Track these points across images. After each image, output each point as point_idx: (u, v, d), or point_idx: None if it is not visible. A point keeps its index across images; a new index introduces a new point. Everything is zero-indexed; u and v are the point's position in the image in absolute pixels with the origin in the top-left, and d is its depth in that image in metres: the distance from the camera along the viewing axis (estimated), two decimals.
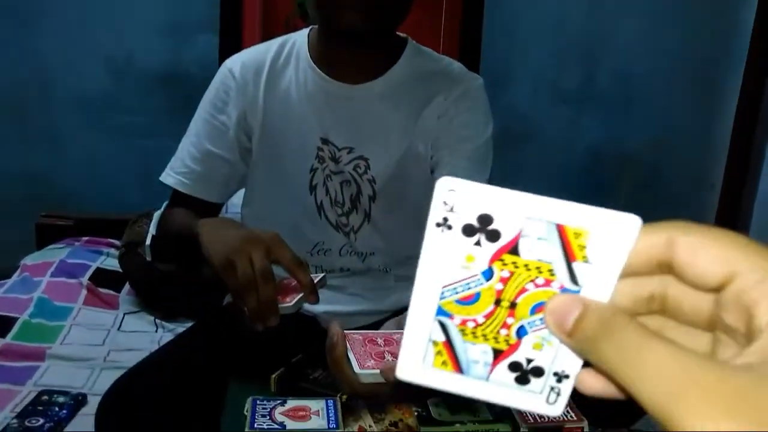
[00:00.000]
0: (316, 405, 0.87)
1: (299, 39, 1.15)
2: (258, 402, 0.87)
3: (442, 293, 0.29)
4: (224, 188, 1.17)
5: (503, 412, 0.86)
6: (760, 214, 2.07)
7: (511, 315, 0.29)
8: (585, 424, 0.84)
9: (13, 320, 1.58)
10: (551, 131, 2.21)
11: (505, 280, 0.28)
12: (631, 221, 0.27)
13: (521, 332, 0.29)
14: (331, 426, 0.82)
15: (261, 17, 2.10)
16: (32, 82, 2.07)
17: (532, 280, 0.28)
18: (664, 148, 2.22)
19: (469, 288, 0.28)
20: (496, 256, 0.28)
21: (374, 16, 0.99)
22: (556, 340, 0.28)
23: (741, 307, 0.25)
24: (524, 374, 0.29)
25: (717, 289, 0.26)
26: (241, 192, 1.23)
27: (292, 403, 0.87)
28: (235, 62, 1.15)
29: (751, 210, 2.10)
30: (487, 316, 0.29)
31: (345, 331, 0.76)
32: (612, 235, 0.26)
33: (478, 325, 0.29)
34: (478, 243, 0.28)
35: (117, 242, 1.92)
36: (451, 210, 0.27)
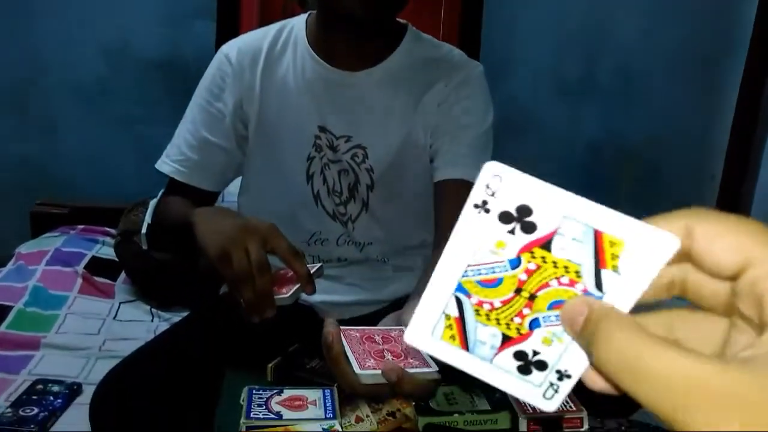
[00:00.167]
0: (313, 394, 0.86)
1: (297, 24, 1.14)
2: (254, 391, 0.86)
3: (466, 272, 0.29)
4: (221, 176, 1.16)
5: (501, 402, 0.85)
6: (759, 210, 2.07)
7: (529, 306, 0.29)
8: (584, 414, 0.83)
9: (8, 309, 1.57)
10: (550, 124, 2.20)
11: (530, 272, 0.28)
12: (670, 241, 0.26)
13: (534, 324, 0.29)
14: (328, 416, 0.81)
15: (258, 3, 2.08)
16: (28, 70, 2.05)
17: (557, 278, 0.28)
18: (663, 142, 2.21)
19: (493, 272, 0.28)
20: (527, 248, 0.28)
21: (375, 1, 0.98)
22: (566, 338, 0.28)
23: (754, 297, 0.25)
24: (527, 365, 0.29)
25: (733, 278, 0.25)
26: (238, 180, 1.22)
27: (288, 393, 0.86)
28: (231, 48, 1.13)
29: (751, 205, 2.09)
30: (505, 302, 0.29)
31: (342, 327, 0.75)
32: (647, 251, 0.26)
33: (493, 309, 0.29)
34: (512, 231, 0.28)
35: (113, 231, 1.91)
36: (492, 195, 0.27)
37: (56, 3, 2.01)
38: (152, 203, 1.17)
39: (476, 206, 0.28)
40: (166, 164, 1.13)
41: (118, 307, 1.71)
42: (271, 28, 1.15)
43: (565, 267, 0.28)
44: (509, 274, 0.28)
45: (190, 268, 1.59)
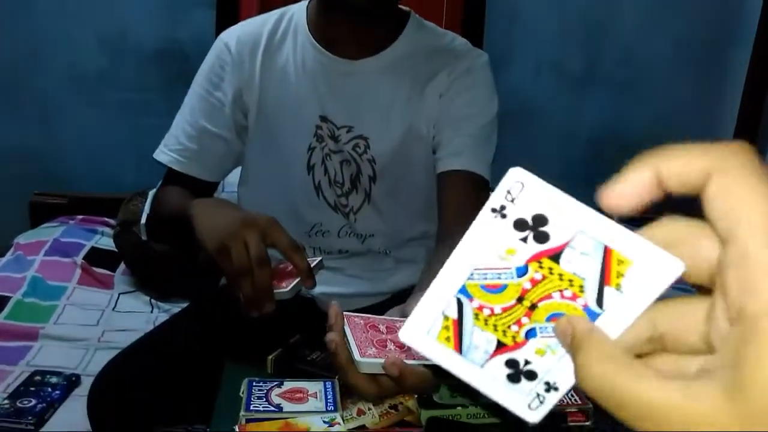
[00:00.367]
0: (313, 387, 0.85)
1: (297, 12, 1.12)
2: (254, 384, 0.85)
3: (472, 274, 0.29)
4: (220, 167, 1.15)
5: None
6: None
7: (528, 315, 0.29)
8: (590, 407, 0.82)
9: (6, 299, 1.57)
10: (553, 113, 2.18)
11: (535, 282, 0.29)
12: (675, 265, 0.27)
13: (530, 334, 0.29)
14: (329, 408, 0.80)
15: None
16: (25, 58, 2.03)
17: (560, 290, 0.28)
18: (667, 134, 2.17)
19: (498, 278, 0.29)
20: (536, 257, 0.28)
21: None
22: (560, 351, 0.29)
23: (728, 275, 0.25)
24: (517, 373, 0.30)
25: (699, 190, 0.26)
26: (238, 170, 1.20)
27: (289, 385, 0.85)
28: (231, 36, 1.11)
29: None
30: (505, 309, 0.29)
31: (346, 313, 0.74)
32: (651, 273, 0.27)
33: (492, 314, 0.29)
34: (524, 239, 0.28)
35: (112, 221, 1.90)
36: (512, 201, 0.28)
37: None
38: (151, 193, 1.16)
39: (494, 210, 0.28)
40: (164, 154, 1.12)
41: (117, 297, 1.70)
42: (271, 16, 1.13)
43: (570, 280, 0.28)
44: (514, 281, 0.29)
45: (190, 259, 1.58)
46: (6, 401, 1.22)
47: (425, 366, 0.68)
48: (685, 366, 0.27)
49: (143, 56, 2.06)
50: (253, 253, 0.80)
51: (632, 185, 0.27)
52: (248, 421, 0.78)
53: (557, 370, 0.29)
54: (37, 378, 1.29)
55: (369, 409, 0.81)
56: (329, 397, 0.83)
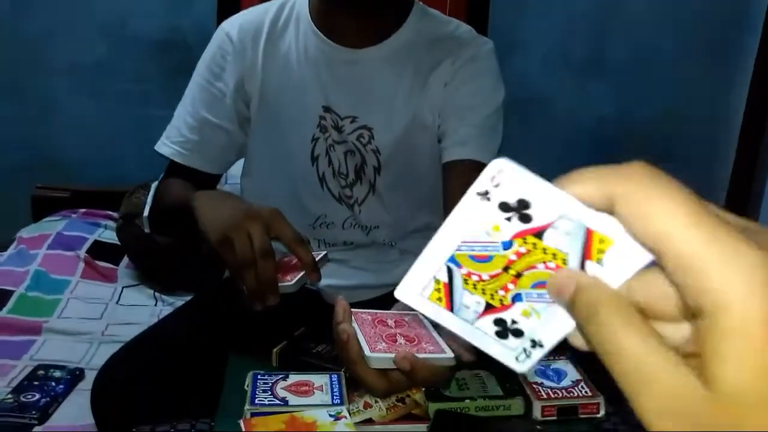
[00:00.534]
0: (319, 380, 0.84)
1: (299, 0, 1.10)
2: (259, 377, 0.84)
3: (459, 246, 0.31)
4: (222, 158, 1.13)
5: (514, 388, 0.83)
6: None
7: (514, 282, 0.31)
8: (601, 399, 0.81)
9: (9, 293, 1.56)
10: (560, 101, 2.16)
11: (520, 255, 0.30)
12: None
13: (517, 298, 0.31)
14: (335, 401, 0.79)
15: None
16: (27, 51, 2.02)
17: (544, 262, 0.30)
18: (675, 121, 2.17)
19: (485, 250, 0.30)
20: (521, 234, 0.29)
21: None
22: (544, 314, 0.31)
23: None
24: (505, 330, 0.32)
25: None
26: (241, 162, 1.19)
27: (294, 378, 0.84)
28: (232, 25, 1.10)
29: (765, 182, 2.05)
30: (492, 276, 0.31)
31: (354, 310, 0.73)
32: (631, 251, 0.28)
33: (480, 280, 0.31)
34: (508, 219, 0.29)
35: (115, 214, 1.89)
36: (496, 186, 0.29)
37: None
38: (154, 186, 1.14)
39: (478, 194, 0.29)
40: (165, 146, 1.10)
41: (121, 291, 1.70)
42: (273, 4, 1.11)
43: (554, 254, 0.29)
44: (500, 253, 0.30)
45: (193, 251, 1.57)
46: (9, 396, 1.21)
47: (437, 360, 0.67)
48: (673, 334, 0.27)
49: (144, 47, 2.04)
50: (257, 245, 0.79)
51: None
52: (253, 415, 0.77)
53: (542, 329, 0.31)
54: (41, 372, 1.28)
55: (376, 402, 0.80)
56: (335, 390, 0.82)
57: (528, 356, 0.32)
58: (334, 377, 0.84)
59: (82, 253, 1.75)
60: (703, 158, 2.21)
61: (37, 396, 1.21)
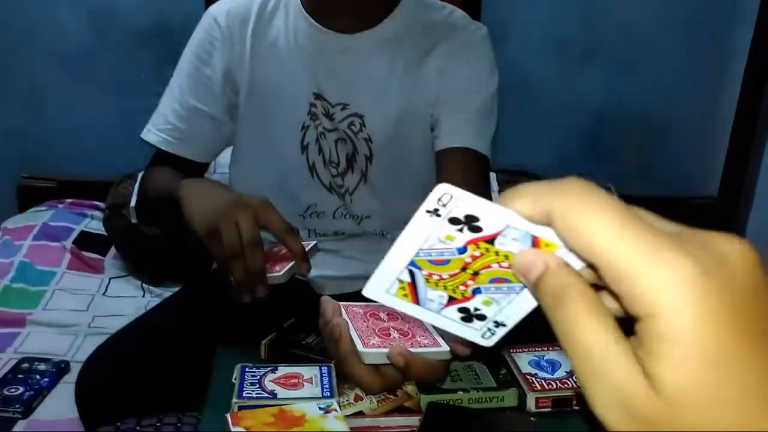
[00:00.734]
0: (309, 372, 0.82)
1: None
2: (247, 369, 0.82)
3: (418, 252, 0.32)
4: (210, 147, 1.11)
5: (508, 380, 0.81)
6: (767, 177, 2.03)
7: (473, 279, 0.33)
8: None
9: None
10: (553, 88, 2.14)
11: (474, 258, 0.32)
12: None
13: (476, 291, 0.33)
14: (325, 394, 0.78)
15: None
16: (11, 39, 1.98)
17: (498, 263, 0.32)
18: (669, 109, 2.16)
19: (442, 255, 0.32)
20: (473, 241, 0.31)
21: None
22: (503, 302, 0.33)
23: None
24: (469, 316, 0.34)
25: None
26: (229, 150, 1.17)
27: (283, 370, 0.82)
28: (219, 10, 1.07)
29: (758, 171, 2.05)
30: (452, 276, 0.33)
31: (344, 303, 0.71)
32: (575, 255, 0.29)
33: (441, 279, 0.33)
34: (460, 230, 0.31)
35: (101, 204, 1.86)
36: (444, 206, 0.30)
37: None
38: (140, 175, 1.12)
39: (428, 211, 0.31)
40: (152, 134, 1.08)
41: (108, 282, 1.67)
42: None
43: (506, 256, 0.31)
44: (456, 257, 0.32)
45: (180, 242, 1.55)
46: None
47: (432, 354, 0.66)
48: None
49: (132, 36, 2.01)
50: (245, 235, 0.77)
51: None
52: (241, 408, 0.75)
53: (503, 312, 0.34)
54: (25, 365, 1.26)
55: (366, 393, 0.78)
56: (325, 382, 0.80)
57: (493, 334, 0.35)
58: (324, 369, 0.83)
59: (69, 243, 1.72)
60: (696, 146, 2.20)
61: (21, 389, 1.19)
